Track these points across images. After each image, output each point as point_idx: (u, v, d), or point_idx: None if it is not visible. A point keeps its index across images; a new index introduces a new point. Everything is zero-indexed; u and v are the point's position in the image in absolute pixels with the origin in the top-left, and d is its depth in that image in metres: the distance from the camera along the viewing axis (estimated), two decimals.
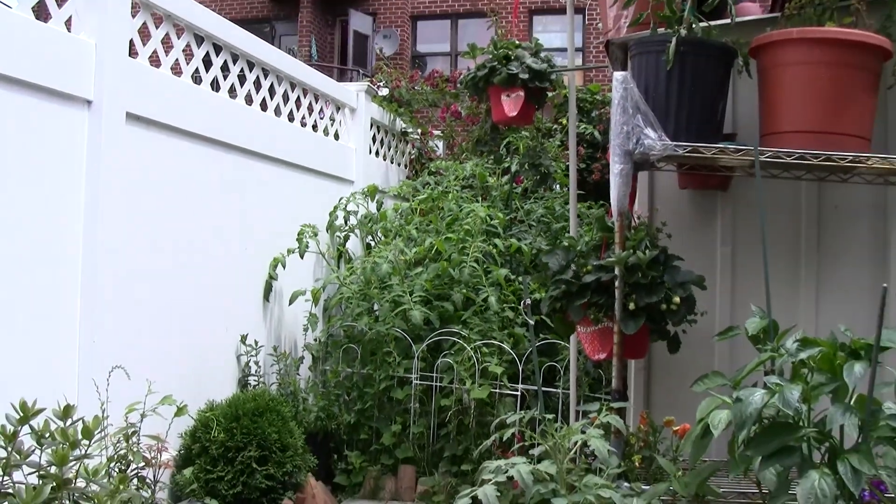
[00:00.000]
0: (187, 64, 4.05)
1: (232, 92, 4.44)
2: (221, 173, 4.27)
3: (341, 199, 5.49)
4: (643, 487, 2.75)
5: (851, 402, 2.32)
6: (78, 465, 2.35)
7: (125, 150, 3.46)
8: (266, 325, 4.75)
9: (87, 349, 3.23)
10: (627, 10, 3.32)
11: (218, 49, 4.32)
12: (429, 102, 7.22)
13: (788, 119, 2.97)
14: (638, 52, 3.13)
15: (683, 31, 2.99)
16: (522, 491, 2.54)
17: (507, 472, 2.56)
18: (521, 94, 3.81)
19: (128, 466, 2.74)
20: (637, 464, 2.97)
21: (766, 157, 2.91)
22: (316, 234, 5.00)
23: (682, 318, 3.01)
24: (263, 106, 4.75)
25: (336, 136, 5.82)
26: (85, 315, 3.24)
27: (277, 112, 4.93)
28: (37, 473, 2.28)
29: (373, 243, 5.60)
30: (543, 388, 3.80)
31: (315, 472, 4.05)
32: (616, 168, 2.94)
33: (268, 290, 4.72)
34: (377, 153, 6.46)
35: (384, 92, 6.91)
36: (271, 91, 4.84)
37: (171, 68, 3.91)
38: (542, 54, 3.98)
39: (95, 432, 2.41)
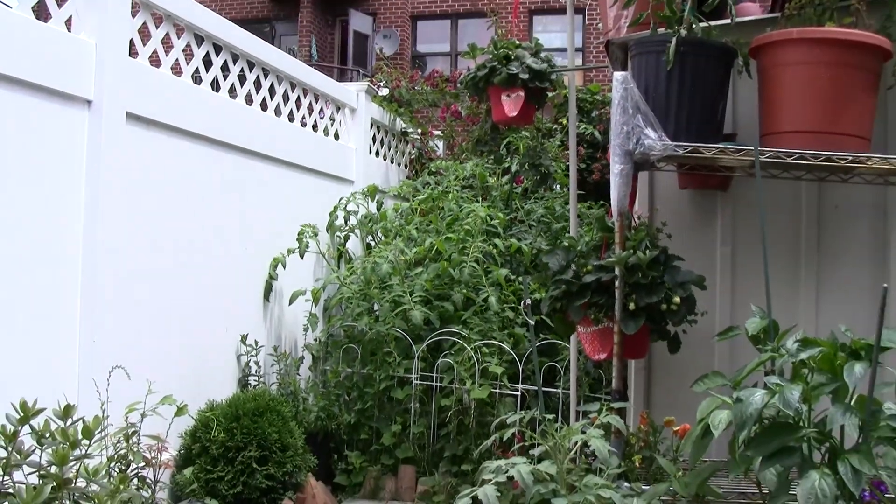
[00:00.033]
0: (187, 64, 4.05)
1: (232, 92, 4.44)
2: (221, 173, 4.27)
3: (341, 199, 5.49)
4: (643, 487, 2.75)
5: (852, 403, 2.32)
6: (78, 464, 2.36)
7: (125, 150, 3.46)
8: (266, 325, 4.75)
9: (88, 349, 3.23)
10: (627, 11, 3.32)
11: (218, 49, 4.32)
12: (429, 102, 7.22)
13: (788, 119, 2.97)
14: (638, 52, 3.13)
15: (683, 32, 2.99)
16: (522, 491, 2.54)
17: (507, 472, 2.56)
18: (522, 94, 3.81)
19: (128, 466, 2.74)
20: (637, 464, 2.97)
21: (766, 158, 2.91)
22: (316, 234, 5.00)
23: (682, 318, 3.01)
24: (263, 106, 4.75)
25: (336, 136, 5.82)
26: (85, 315, 3.24)
27: (277, 112, 4.93)
28: (37, 473, 2.29)
29: (373, 243, 5.60)
30: (544, 389, 3.80)
31: (315, 472, 4.05)
32: (616, 168, 2.94)
33: (268, 290, 4.72)
34: (377, 153, 6.45)
35: (384, 92, 6.90)
36: (271, 91, 4.84)
37: (172, 68, 3.91)
38: (543, 54, 3.98)
39: (95, 432, 2.42)
